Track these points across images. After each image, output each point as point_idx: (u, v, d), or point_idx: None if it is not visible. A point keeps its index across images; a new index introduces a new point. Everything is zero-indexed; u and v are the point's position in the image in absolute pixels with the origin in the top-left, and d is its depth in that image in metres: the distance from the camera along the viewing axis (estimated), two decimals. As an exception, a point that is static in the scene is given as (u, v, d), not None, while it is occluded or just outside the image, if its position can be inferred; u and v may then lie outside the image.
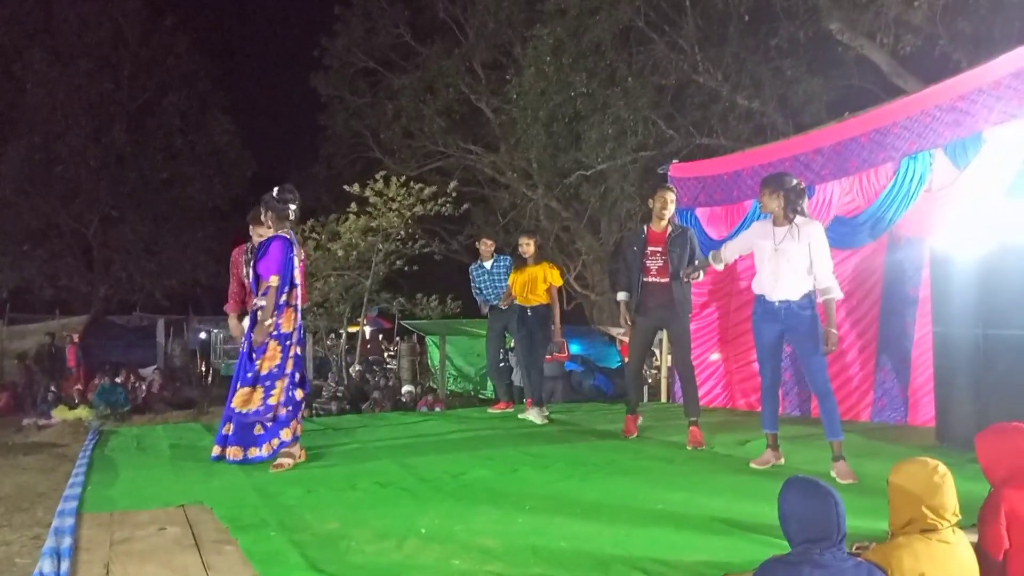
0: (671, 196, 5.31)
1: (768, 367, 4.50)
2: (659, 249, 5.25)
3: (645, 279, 5.26)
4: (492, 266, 6.90)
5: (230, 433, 4.52)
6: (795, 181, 4.38)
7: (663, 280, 5.23)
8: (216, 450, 4.56)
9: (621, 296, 5.40)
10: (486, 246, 7.03)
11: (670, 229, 5.29)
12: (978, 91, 5.17)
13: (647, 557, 2.72)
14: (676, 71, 14.48)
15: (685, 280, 5.16)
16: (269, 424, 4.45)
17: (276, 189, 4.59)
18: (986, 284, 4.87)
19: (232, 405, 4.45)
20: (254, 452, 4.47)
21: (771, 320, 4.38)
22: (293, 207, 4.57)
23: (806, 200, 4.42)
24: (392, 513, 3.37)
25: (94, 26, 20.45)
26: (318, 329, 15.43)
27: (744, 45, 14.10)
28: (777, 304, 4.33)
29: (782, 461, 4.46)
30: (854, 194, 6.28)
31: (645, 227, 5.36)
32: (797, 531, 2.17)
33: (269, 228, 4.61)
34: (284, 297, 4.49)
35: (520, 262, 6.49)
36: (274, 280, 4.39)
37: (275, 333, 4.46)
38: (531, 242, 6.45)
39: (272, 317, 4.41)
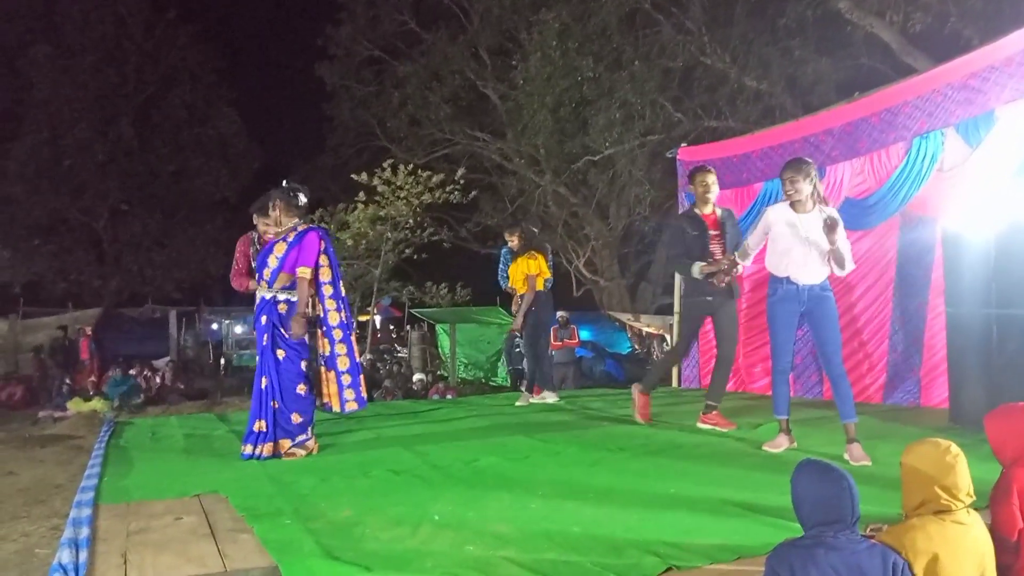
0: (712, 178, 5.12)
1: (784, 350, 4.46)
2: (717, 233, 5.08)
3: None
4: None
5: (264, 430, 4.40)
6: (811, 161, 4.40)
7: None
8: (248, 448, 4.41)
9: (696, 269, 4.99)
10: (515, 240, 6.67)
11: (719, 212, 5.14)
12: (990, 68, 5.10)
13: (660, 541, 2.73)
14: (683, 54, 14.39)
15: (740, 268, 4.96)
16: (305, 417, 4.48)
17: (285, 182, 4.63)
18: (998, 264, 4.82)
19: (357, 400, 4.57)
20: (286, 445, 4.44)
21: (792, 302, 4.36)
22: (302, 195, 4.59)
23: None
24: (405, 500, 3.39)
25: (97, 20, 20.47)
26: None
27: (752, 26, 13.98)
28: (801, 287, 4.33)
29: (795, 445, 4.45)
30: (865, 175, 6.23)
31: (696, 211, 5.12)
32: (810, 514, 2.17)
33: (275, 223, 4.59)
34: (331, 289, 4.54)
35: (511, 255, 6.65)
36: (305, 272, 4.38)
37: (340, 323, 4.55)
38: (514, 236, 6.52)
39: (307, 308, 4.45)
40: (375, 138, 20.35)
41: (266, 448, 4.39)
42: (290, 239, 4.45)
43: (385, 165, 13.49)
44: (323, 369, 4.57)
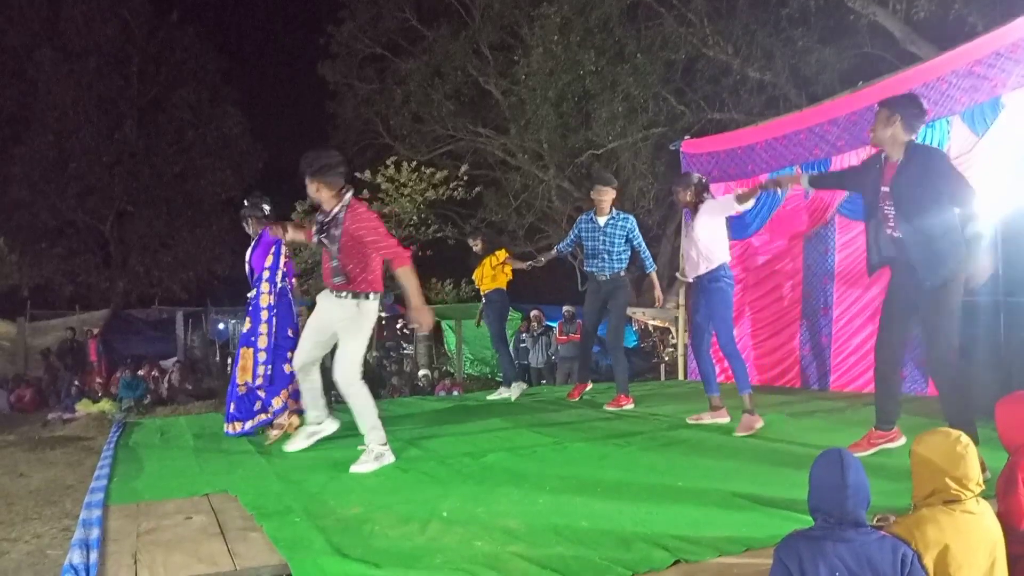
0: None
1: (693, 335, 5.12)
2: (887, 189, 3.73)
3: (885, 231, 3.80)
4: (607, 223, 5.78)
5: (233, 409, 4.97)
6: (698, 177, 5.20)
7: (896, 234, 3.73)
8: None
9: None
10: (606, 195, 5.74)
11: (902, 156, 3.68)
12: (995, 55, 5.07)
13: (668, 534, 2.73)
14: (685, 45, 14.33)
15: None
16: (262, 395, 4.86)
17: (247, 200, 5.16)
18: (1005, 251, 4.80)
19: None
20: (250, 423, 4.89)
21: (696, 294, 5.05)
22: (266, 206, 5.10)
23: (709, 190, 5.20)
24: (414, 497, 3.40)
25: (101, 23, 20.50)
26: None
27: (754, 16, 13.91)
28: (693, 280, 5.04)
29: (725, 420, 4.93)
30: (871, 164, 6.20)
31: (883, 156, 3.83)
32: (811, 497, 2.18)
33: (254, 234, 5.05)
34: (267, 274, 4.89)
35: (476, 259, 7.02)
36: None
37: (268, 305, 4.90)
38: (478, 241, 7.02)
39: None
40: (378, 136, 20.34)
41: (234, 426, 4.91)
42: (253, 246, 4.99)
43: (388, 162, 13.49)
44: (242, 348, 4.92)
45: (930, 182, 3.56)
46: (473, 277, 7.22)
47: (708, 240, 4.92)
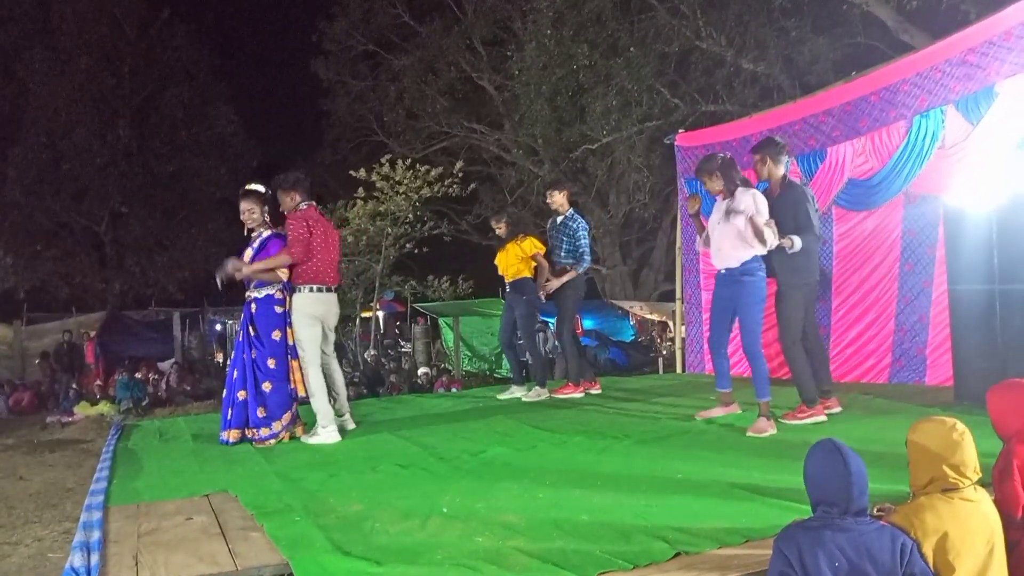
0: None
1: (710, 327, 4.93)
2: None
3: None
4: (561, 222, 6.37)
5: (229, 418, 4.80)
6: (721, 157, 4.77)
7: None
8: (222, 435, 4.80)
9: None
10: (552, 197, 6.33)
11: (778, 190, 4.86)
12: (988, 43, 5.08)
13: (668, 526, 2.74)
14: (679, 38, 14.31)
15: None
16: (269, 412, 4.77)
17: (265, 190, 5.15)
18: (1000, 239, 4.81)
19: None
20: (253, 433, 4.76)
21: (719, 286, 4.79)
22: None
23: (737, 168, 4.79)
24: (414, 493, 3.40)
25: (92, 23, 20.38)
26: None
27: (747, 6, 13.90)
28: (723, 272, 4.73)
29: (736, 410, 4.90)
30: (867, 155, 6.20)
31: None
32: (811, 491, 2.19)
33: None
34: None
35: (499, 243, 6.49)
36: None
37: None
38: (502, 223, 6.41)
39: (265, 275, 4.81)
40: (373, 133, 20.30)
41: (232, 434, 4.74)
42: (255, 245, 4.84)
43: (383, 160, 13.44)
44: (289, 359, 4.82)
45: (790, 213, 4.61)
46: (496, 262, 6.48)
47: (745, 229, 4.54)
